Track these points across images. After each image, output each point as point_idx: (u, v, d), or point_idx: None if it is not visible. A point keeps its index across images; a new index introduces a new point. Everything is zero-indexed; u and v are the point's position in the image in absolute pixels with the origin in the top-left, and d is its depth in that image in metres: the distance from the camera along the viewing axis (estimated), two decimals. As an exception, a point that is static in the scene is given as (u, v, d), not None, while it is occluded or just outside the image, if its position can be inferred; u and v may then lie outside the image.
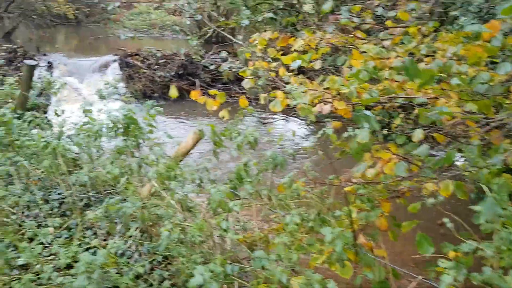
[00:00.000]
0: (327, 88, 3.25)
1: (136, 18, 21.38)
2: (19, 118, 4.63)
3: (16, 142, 3.73)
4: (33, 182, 4.08)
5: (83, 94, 11.31)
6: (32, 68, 4.82)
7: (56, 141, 3.40)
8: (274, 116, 11.34)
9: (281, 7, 9.45)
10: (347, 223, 2.42)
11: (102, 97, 6.49)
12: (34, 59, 12.12)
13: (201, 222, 2.35)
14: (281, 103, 3.02)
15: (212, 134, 3.18)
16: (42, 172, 3.81)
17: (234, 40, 6.03)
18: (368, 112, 2.38)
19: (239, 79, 12.46)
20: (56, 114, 4.64)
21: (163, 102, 11.72)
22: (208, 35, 12.89)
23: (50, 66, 11.90)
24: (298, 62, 3.42)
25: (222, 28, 10.55)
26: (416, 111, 2.67)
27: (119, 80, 12.20)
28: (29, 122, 4.40)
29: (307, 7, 9.79)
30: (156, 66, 12.18)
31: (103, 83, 11.55)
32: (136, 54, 12.65)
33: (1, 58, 10.72)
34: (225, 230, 2.54)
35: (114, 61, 12.37)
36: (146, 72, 12.22)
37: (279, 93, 3.13)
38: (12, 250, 2.93)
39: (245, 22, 5.38)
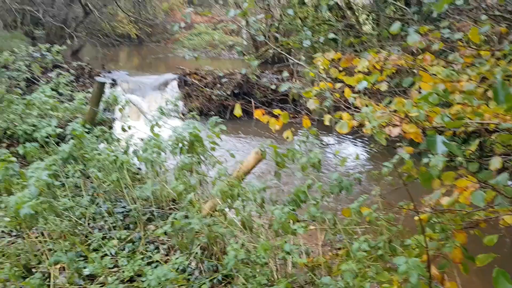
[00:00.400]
0: (395, 111, 3.16)
1: (195, 38, 22.07)
2: (88, 132, 4.85)
3: (86, 155, 3.90)
4: (98, 194, 4.24)
5: (144, 110, 11.72)
6: (103, 85, 5.06)
7: (124, 156, 3.51)
8: (330, 138, 11.24)
9: (341, 28, 9.42)
10: (417, 252, 2.30)
11: (163, 114, 6.69)
12: (105, 77, 12.80)
13: (266, 243, 2.32)
14: (348, 125, 2.96)
15: (275, 155, 3.16)
16: (108, 185, 3.94)
17: (295, 60, 6.04)
18: (440, 137, 2.28)
19: (294, 99, 12.50)
20: (123, 129, 4.82)
21: (218, 120, 11.94)
22: (269, 55, 12.94)
23: (114, 83, 12.45)
24: (364, 84, 3.36)
25: (281, 49, 10.65)
26: (493, 137, 2.53)
27: (178, 98, 12.62)
28: (97, 136, 4.59)
29: (367, 28, 9.69)
30: (218, 85, 12.44)
31: (164, 100, 11.99)
32: (195, 73, 13.00)
33: (71, 75, 11.32)
34: (288, 253, 2.49)
35: (173, 79, 12.76)
36: (203, 90, 12.50)
37: (345, 115, 3.08)
38: (79, 260, 3.02)
39: (307, 42, 5.38)
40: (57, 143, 5.02)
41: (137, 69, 16.88)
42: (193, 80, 12.75)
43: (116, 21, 21.18)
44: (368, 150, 8.86)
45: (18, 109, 5.18)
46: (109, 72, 13.32)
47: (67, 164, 3.96)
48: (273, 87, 11.27)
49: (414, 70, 4.04)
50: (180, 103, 12.22)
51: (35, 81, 7.57)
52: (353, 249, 2.30)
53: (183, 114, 11.99)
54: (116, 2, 17.81)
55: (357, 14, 9.85)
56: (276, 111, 3.35)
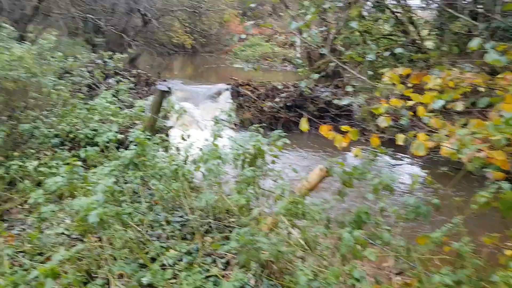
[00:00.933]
0: (473, 133, 2.95)
1: (247, 49, 22.26)
2: (148, 139, 4.89)
3: (147, 162, 3.90)
4: (156, 202, 4.23)
5: (197, 119, 11.85)
6: (164, 93, 5.11)
7: (185, 166, 3.47)
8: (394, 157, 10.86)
9: (402, 43, 9.15)
10: (505, 290, 2.08)
11: (217, 123, 6.68)
12: (161, 85, 13.10)
13: (337, 269, 2.18)
14: (424, 146, 2.78)
15: (342, 174, 3.01)
16: (166, 193, 3.92)
17: (357, 74, 5.86)
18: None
19: (348, 114, 12.25)
20: (183, 138, 4.82)
21: (269, 133, 11.85)
22: (330, 68, 12.69)
23: (168, 91, 12.69)
24: (440, 102, 3.16)
25: (342, 62, 10.47)
26: None
27: (232, 108, 12.70)
28: (157, 144, 4.60)
29: (429, 43, 9.35)
30: (281, 97, 12.40)
31: (217, 110, 12.09)
32: (247, 84, 13.03)
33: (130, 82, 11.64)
34: (357, 280, 2.33)
35: (226, 89, 12.85)
36: (255, 101, 12.49)
37: (421, 135, 2.89)
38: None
39: (372, 57, 5.19)
40: (117, 148, 5.09)
41: (190, 78, 17.19)
42: (245, 91, 12.79)
43: (172, 31, 21.72)
44: (426, 171, 8.46)
45: (81, 114, 5.31)
46: (164, 80, 13.62)
47: (128, 170, 3.97)
48: (339, 102, 11.04)
49: (493, 90, 3.79)
50: (232, 114, 12.25)
51: (96, 87, 7.82)
52: (433, 281, 2.10)
53: (235, 125, 12.02)
54: (173, 12, 18.26)
55: (419, 28, 9.53)
56: (344, 127, 3.19)
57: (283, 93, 12.66)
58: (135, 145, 3.89)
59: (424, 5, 9.50)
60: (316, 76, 5.54)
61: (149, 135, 5.02)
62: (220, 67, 19.73)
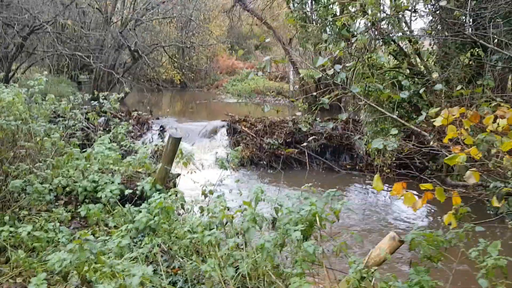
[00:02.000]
0: None
1: (238, 84, 21.94)
2: (158, 191, 4.26)
3: (166, 225, 3.26)
4: (173, 270, 3.58)
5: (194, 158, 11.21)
6: (178, 141, 4.49)
7: (218, 233, 2.85)
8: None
9: (406, 75, 8.80)
10: None
11: (223, 167, 6.10)
12: (153, 124, 12.50)
13: None
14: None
15: (425, 244, 2.41)
16: (190, 263, 3.27)
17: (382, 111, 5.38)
18: None
19: (349, 149, 11.72)
20: (204, 194, 4.20)
21: (270, 171, 11.31)
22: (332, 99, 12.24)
23: (162, 130, 12.10)
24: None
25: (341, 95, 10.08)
26: None
27: (239, 150, 12.09)
28: (171, 199, 3.97)
29: (435, 76, 9.02)
30: (269, 134, 11.89)
31: (212, 148, 11.47)
32: (244, 120, 12.52)
33: (130, 124, 11.00)
34: None
35: (222, 126, 12.32)
36: (254, 138, 11.95)
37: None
38: None
39: (405, 94, 4.71)
40: (121, 202, 4.46)
41: (182, 115, 16.63)
42: (242, 127, 12.26)
43: (160, 67, 21.34)
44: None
45: (79, 164, 4.66)
46: (157, 118, 13.04)
47: (142, 236, 3.33)
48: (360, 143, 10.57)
49: None
50: (229, 151, 11.69)
51: (91, 131, 7.20)
52: None
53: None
54: (163, 48, 17.88)
55: (425, 60, 9.21)
56: (425, 185, 2.60)
57: (282, 128, 12.17)
58: (148, 201, 3.26)
59: (429, 36, 9.24)
60: (326, 101, 4.99)
61: (159, 189, 4.40)
62: (211, 102, 19.28)
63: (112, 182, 4.58)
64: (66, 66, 23.58)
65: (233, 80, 22.53)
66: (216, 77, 24.49)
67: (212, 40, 20.03)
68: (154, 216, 3.17)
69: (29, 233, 3.59)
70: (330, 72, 4.82)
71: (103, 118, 10.40)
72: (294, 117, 12.60)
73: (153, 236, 3.21)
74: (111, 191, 4.35)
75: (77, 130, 6.32)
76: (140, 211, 3.52)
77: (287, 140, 11.90)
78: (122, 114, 13.05)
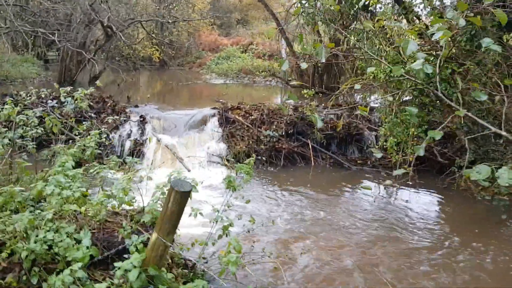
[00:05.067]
0: None
1: (223, 62, 20.05)
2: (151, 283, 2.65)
3: None
4: None
5: (180, 155, 9.57)
6: (186, 197, 2.72)
7: None
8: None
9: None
10: None
11: (232, 187, 4.58)
12: (131, 113, 10.69)
13: None
14: None
15: None
16: None
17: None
18: None
19: (358, 140, 10.25)
20: None
21: (270, 168, 9.76)
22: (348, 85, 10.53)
23: (142, 121, 10.36)
24: None
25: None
26: None
27: (219, 139, 10.51)
28: None
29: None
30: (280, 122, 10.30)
31: (204, 144, 9.80)
32: (238, 108, 10.87)
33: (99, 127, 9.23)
34: None
35: (213, 115, 10.64)
36: (250, 129, 10.34)
37: None
38: None
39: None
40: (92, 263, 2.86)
41: (160, 99, 14.82)
42: (236, 116, 10.61)
43: (137, 44, 19.27)
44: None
45: (20, 219, 2.99)
46: (136, 106, 11.25)
47: None
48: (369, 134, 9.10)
49: None
50: (223, 146, 10.06)
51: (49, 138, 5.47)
52: None
53: (228, 160, 9.82)
54: (141, 23, 15.86)
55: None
56: None
57: (281, 117, 10.57)
58: None
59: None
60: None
61: (155, 274, 2.76)
62: (196, 83, 17.43)
63: (78, 244, 2.96)
64: (31, 43, 21.34)
65: (217, 57, 20.60)
66: (198, 54, 22.51)
67: (195, 14, 18.02)
68: None
69: None
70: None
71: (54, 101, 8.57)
72: (296, 105, 11.01)
73: None
74: (75, 259, 2.74)
75: (29, 139, 4.60)
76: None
77: (289, 131, 10.33)
78: (95, 100, 11.23)
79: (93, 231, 3.42)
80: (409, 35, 6.46)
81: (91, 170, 3.86)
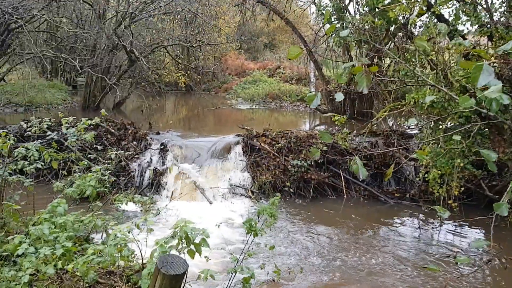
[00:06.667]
0: None
1: (249, 86, 19.53)
2: None
3: None
4: None
5: (202, 186, 8.92)
6: (179, 280, 1.98)
7: None
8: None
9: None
10: None
11: (252, 231, 3.90)
12: (152, 140, 10.17)
13: None
14: None
15: None
16: None
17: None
18: None
19: (395, 171, 9.37)
20: None
21: (298, 201, 8.99)
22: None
23: (163, 149, 9.81)
24: None
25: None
26: None
27: (243, 168, 9.82)
28: None
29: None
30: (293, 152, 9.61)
31: (227, 174, 9.11)
32: (263, 135, 10.20)
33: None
34: None
35: (237, 143, 9.99)
36: (276, 158, 9.63)
37: None
38: None
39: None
40: None
41: (183, 126, 14.31)
42: (261, 144, 9.94)
43: (163, 69, 19.03)
44: None
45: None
46: (158, 133, 10.74)
47: None
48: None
49: None
50: (247, 176, 9.37)
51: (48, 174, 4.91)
52: None
53: (252, 192, 9.11)
54: (165, 48, 15.56)
55: None
56: None
57: (310, 145, 9.82)
58: None
59: None
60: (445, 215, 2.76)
61: None
62: (221, 108, 16.93)
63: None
64: (61, 68, 21.43)
65: (243, 82, 20.11)
66: (224, 79, 22.11)
67: (221, 39, 17.68)
68: None
69: None
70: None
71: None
72: (322, 129, 10.29)
73: None
74: None
75: (22, 178, 4.03)
76: None
77: (318, 161, 9.56)
78: (116, 127, 10.82)
79: (81, 294, 2.76)
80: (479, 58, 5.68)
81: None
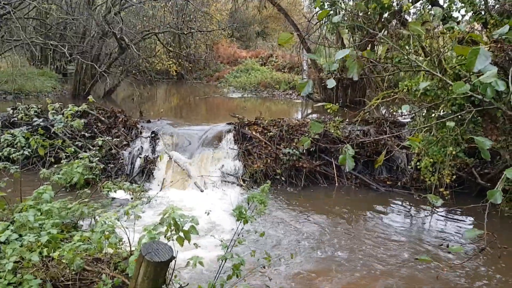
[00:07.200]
0: None
1: (241, 75, 19.39)
2: None
3: None
4: None
5: (193, 174, 8.86)
6: (163, 268, 1.90)
7: None
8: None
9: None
10: None
11: (242, 218, 3.83)
12: (143, 129, 10.06)
13: None
14: None
15: None
16: None
17: None
18: None
19: (387, 159, 9.36)
20: None
21: (290, 189, 8.95)
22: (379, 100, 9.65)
23: (154, 137, 9.71)
24: None
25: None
26: None
27: (234, 157, 9.74)
28: None
29: None
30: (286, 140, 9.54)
31: (218, 162, 9.05)
32: (255, 123, 10.12)
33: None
34: None
35: (229, 131, 9.91)
36: (268, 147, 9.57)
37: None
38: None
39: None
40: None
41: (174, 114, 14.17)
42: (253, 132, 9.87)
43: (154, 57, 18.80)
44: None
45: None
46: (149, 121, 10.63)
47: None
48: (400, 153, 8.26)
49: None
50: (238, 165, 9.31)
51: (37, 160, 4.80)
52: None
53: (244, 181, 9.06)
54: (156, 36, 15.36)
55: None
56: None
57: (302, 134, 9.77)
58: None
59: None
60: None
61: None
62: (213, 97, 16.80)
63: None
64: (50, 56, 21.09)
65: (235, 71, 19.96)
66: (216, 67, 21.93)
67: (213, 26, 17.48)
68: None
69: None
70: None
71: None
72: (314, 117, 10.24)
73: None
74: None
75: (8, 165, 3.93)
76: None
77: (310, 149, 9.52)
78: (107, 115, 10.67)
79: (67, 283, 2.70)
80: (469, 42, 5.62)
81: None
